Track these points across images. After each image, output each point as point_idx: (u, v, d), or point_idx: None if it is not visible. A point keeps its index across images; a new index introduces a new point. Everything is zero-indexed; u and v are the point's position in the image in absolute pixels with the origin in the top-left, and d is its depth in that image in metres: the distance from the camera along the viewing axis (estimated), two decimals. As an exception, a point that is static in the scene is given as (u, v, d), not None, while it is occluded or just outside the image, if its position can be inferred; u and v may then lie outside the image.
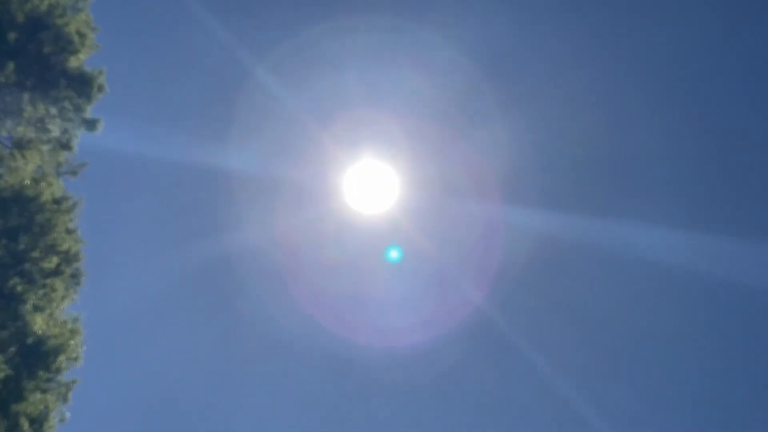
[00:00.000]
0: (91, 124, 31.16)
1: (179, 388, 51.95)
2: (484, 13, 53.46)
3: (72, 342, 28.20)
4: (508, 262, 53.00)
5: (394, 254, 53.05)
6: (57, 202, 29.25)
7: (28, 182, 28.62)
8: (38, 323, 27.42)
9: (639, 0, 55.69)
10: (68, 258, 29.16)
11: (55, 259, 28.49)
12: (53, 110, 30.61)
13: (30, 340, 27.10)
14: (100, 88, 30.70)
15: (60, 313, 29.00)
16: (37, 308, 28.06)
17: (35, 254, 28.11)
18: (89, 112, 31.11)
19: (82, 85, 30.46)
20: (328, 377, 53.32)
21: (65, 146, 31.02)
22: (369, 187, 52.17)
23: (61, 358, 27.69)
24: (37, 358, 27.15)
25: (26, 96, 29.82)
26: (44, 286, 28.46)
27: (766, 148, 57.99)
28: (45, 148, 30.69)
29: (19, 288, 27.27)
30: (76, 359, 28.43)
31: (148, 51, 53.91)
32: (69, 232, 29.40)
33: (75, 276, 29.64)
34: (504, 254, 53.02)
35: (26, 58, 29.51)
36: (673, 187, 58.22)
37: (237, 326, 53.84)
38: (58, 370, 27.86)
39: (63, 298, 29.08)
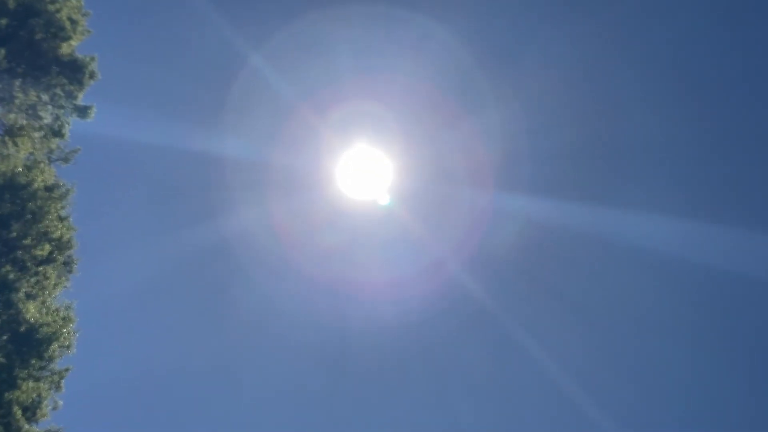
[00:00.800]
0: (83, 111, 31.08)
1: (173, 374, 51.98)
2: (477, 2, 53.40)
3: (65, 330, 28.10)
4: (500, 247, 53.13)
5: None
6: (49, 189, 29.11)
7: (20, 169, 28.44)
8: (31, 311, 27.32)
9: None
10: (60, 245, 29.04)
11: (47, 247, 28.37)
12: (45, 97, 30.52)
13: (22, 328, 27.00)
14: (92, 75, 30.61)
15: (52, 300, 28.90)
16: (29, 296, 27.97)
17: (27, 242, 27.99)
18: (81, 99, 31.04)
19: (74, 71, 30.36)
20: (319, 366, 53.39)
21: (57, 133, 30.92)
22: (362, 173, 52.24)
23: (54, 346, 27.58)
24: (30, 346, 27.05)
25: (17, 82, 29.71)
26: (36, 273, 28.36)
27: (763, 138, 57.84)
28: (37, 135, 30.58)
29: (11, 276, 27.15)
30: (68, 347, 28.34)
31: (142, 37, 53.72)
32: (61, 219, 29.27)
33: (67, 263, 29.54)
34: (496, 239, 53.15)
35: (17, 45, 29.37)
36: (668, 175, 58.22)
37: (230, 311, 53.86)
38: (51, 358, 27.76)
39: (55, 285, 28.97)
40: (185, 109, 52.37)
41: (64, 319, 28.45)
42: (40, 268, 28.34)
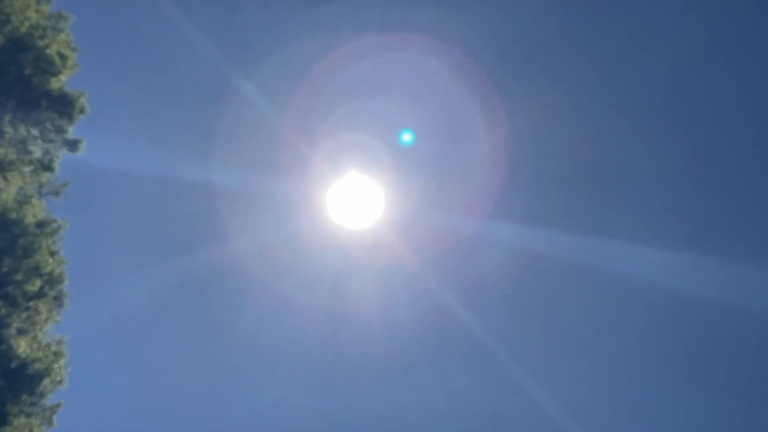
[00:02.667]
0: (72, 145, 31.12)
1: (168, 406, 51.78)
2: (468, 34, 53.68)
3: (56, 365, 28.12)
4: (490, 276, 53.20)
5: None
6: (40, 225, 29.20)
7: (11, 205, 28.48)
8: (22, 347, 27.33)
9: (632, 19, 55.83)
10: (51, 280, 29.08)
11: (38, 282, 28.40)
12: (35, 131, 30.57)
13: (14, 364, 26.99)
14: (82, 110, 30.67)
15: (44, 335, 28.92)
16: (20, 331, 28.00)
17: (18, 277, 28.01)
18: (71, 133, 31.10)
19: (64, 106, 30.44)
20: (311, 390, 53.27)
21: (47, 167, 30.96)
22: (354, 201, 52.37)
23: (46, 381, 27.61)
24: (21, 381, 27.05)
25: (7, 117, 29.74)
26: (27, 308, 28.40)
27: (757, 170, 57.78)
28: (26, 169, 30.62)
29: (2, 311, 27.17)
30: (60, 382, 28.35)
31: (134, 67, 53.82)
32: (52, 254, 29.31)
33: (58, 298, 29.57)
34: (486, 267, 53.23)
35: (7, 80, 29.42)
36: (659, 206, 58.11)
37: (223, 341, 53.71)
38: (43, 394, 27.79)
39: (46, 320, 29.03)
40: (176, 139, 52.49)
41: (55, 354, 28.47)
42: (31, 303, 28.37)
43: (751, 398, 53.98)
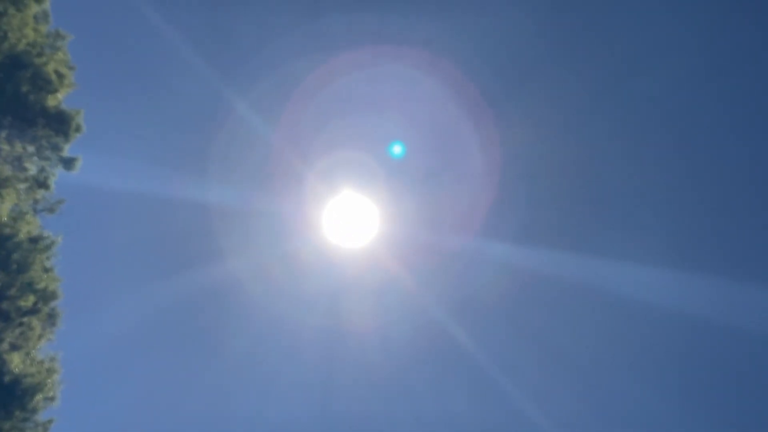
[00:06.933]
0: (68, 163, 31.28)
1: (160, 426, 51.59)
2: (462, 49, 53.96)
3: (49, 381, 28.16)
4: (485, 295, 53.23)
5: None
6: (34, 240, 29.29)
7: (5, 220, 28.60)
8: (15, 362, 27.37)
9: (628, 38, 56.07)
10: (45, 296, 29.17)
11: (31, 298, 28.48)
12: (30, 148, 30.73)
13: (6, 379, 27.02)
14: (78, 128, 30.83)
15: (37, 352, 28.96)
16: (13, 347, 28.04)
17: (12, 292, 28.09)
18: (67, 151, 31.27)
19: (60, 124, 30.60)
20: (307, 412, 53.15)
21: (42, 184, 31.09)
22: (348, 220, 52.50)
23: (38, 397, 27.65)
24: (14, 397, 27.09)
25: (3, 134, 29.93)
26: (21, 324, 28.45)
27: (756, 186, 57.81)
28: (22, 186, 30.75)
29: (-5, 327, 27.28)
30: (52, 399, 28.39)
31: (130, 86, 54.07)
32: (46, 270, 29.41)
33: (52, 315, 29.64)
34: (481, 287, 53.28)
35: (3, 97, 29.61)
36: (654, 225, 58.16)
37: (218, 360, 53.63)
38: (35, 410, 27.80)
39: (40, 336, 29.07)
40: (171, 157, 52.64)
41: (48, 370, 28.54)
42: (25, 319, 28.42)
43: (745, 416, 53.98)
